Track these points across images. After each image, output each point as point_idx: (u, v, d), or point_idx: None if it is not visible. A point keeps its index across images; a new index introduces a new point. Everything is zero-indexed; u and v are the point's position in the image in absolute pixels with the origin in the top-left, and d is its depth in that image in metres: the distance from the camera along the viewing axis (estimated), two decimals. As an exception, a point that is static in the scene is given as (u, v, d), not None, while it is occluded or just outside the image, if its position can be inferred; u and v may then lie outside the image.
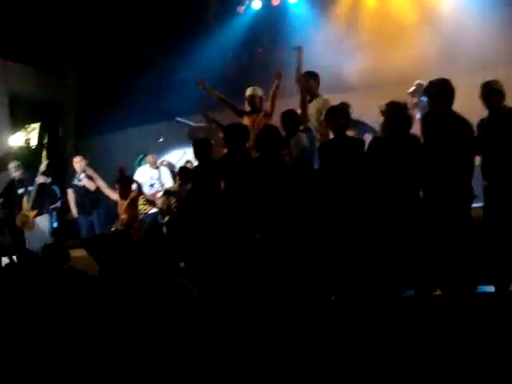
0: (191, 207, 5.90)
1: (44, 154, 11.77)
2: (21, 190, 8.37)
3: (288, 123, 5.87)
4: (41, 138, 13.00)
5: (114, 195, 7.89)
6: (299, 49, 6.78)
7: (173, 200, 7.29)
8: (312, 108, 6.46)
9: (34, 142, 13.11)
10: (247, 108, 6.96)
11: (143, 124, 11.12)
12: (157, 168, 8.93)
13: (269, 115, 6.82)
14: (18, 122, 12.31)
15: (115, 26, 10.54)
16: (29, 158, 11.45)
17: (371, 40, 9.59)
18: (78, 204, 8.38)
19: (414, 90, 7.74)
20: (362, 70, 9.12)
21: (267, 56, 10.53)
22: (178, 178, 7.69)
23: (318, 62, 7.57)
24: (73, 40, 10.85)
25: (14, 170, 8.50)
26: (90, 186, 8.20)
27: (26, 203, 8.24)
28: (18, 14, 9.90)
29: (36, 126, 13.10)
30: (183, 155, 9.97)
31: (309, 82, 6.51)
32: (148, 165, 9.03)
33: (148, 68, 10.85)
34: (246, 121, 6.80)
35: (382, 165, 4.87)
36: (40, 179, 8.24)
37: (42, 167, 8.32)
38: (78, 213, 8.42)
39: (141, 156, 9.64)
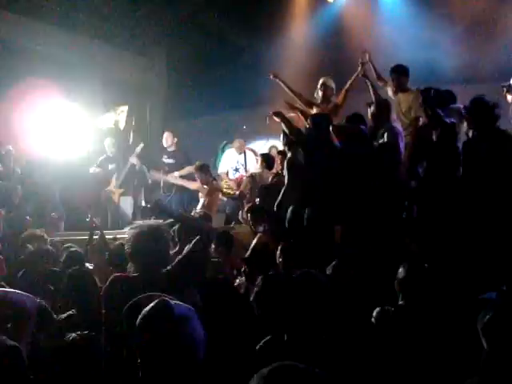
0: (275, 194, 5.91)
1: (131, 135, 12.23)
2: (111, 166, 8.63)
3: (383, 113, 5.84)
4: (129, 120, 13.43)
5: (191, 185, 7.99)
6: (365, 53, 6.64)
7: (254, 184, 7.44)
8: (403, 102, 6.39)
9: (122, 124, 13.57)
10: (317, 98, 6.95)
11: (229, 111, 11.27)
12: (243, 153, 8.97)
13: (340, 106, 6.79)
14: (109, 103, 12.77)
15: (207, 14, 10.72)
16: (117, 139, 11.90)
17: (467, 33, 9.28)
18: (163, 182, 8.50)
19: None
20: (457, 65, 8.80)
21: (353, 49, 10.44)
22: (260, 164, 7.82)
23: (411, 57, 7.48)
24: (165, 26, 11.10)
25: (111, 146, 8.72)
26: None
27: (114, 180, 8.48)
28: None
29: (125, 108, 13.54)
30: (265, 144, 10.08)
31: (399, 78, 6.47)
32: (234, 149, 9.08)
33: (237, 57, 11.00)
34: (315, 111, 6.81)
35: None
36: (133, 160, 8.45)
37: (138, 149, 8.51)
38: (163, 191, 8.55)
39: (224, 142, 9.80)
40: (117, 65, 12.07)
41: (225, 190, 8.33)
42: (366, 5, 10.44)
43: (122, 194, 8.58)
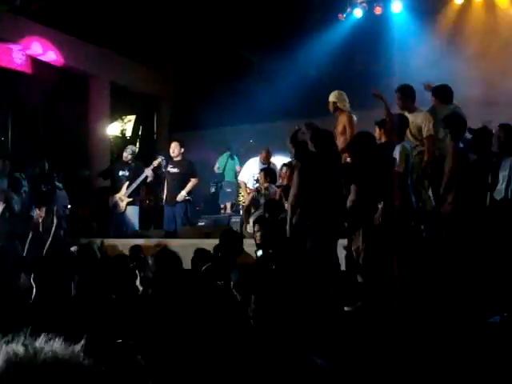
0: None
1: (137, 145, 12.21)
2: (121, 172, 8.61)
3: (400, 129, 5.76)
4: (136, 129, 13.46)
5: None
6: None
7: (261, 199, 7.36)
8: (412, 123, 6.26)
9: (128, 133, 13.59)
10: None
11: (235, 124, 11.24)
12: (267, 164, 8.67)
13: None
14: (116, 112, 12.78)
15: (218, 28, 10.72)
16: (122, 148, 11.88)
17: (480, 52, 9.21)
18: (168, 191, 8.42)
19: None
20: (470, 84, 8.65)
21: (365, 64, 10.42)
22: (263, 179, 7.73)
23: (421, 74, 7.41)
24: (175, 38, 11.12)
25: (129, 153, 8.72)
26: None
27: (125, 188, 8.45)
28: (125, 10, 10.25)
29: (132, 117, 13.57)
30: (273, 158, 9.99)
31: (404, 99, 6.38)
32: (259, 158, 8.89)
33: (246, 71, 10.99)
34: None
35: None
36: (148, 172, 8.42)
37: (155, 163, 8.47)
38: (165, 201, 8.48)
39: (234, 148, 9.82)
40: (127, 74, 12.09)
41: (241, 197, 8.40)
42: (378, 22, 10.38)
43: (129, 204, 8.52)
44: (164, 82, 12.92)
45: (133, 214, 8.53)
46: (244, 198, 8.65)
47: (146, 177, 8.41)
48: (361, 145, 5.44)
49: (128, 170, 8.53)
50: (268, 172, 7.73)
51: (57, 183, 8.16)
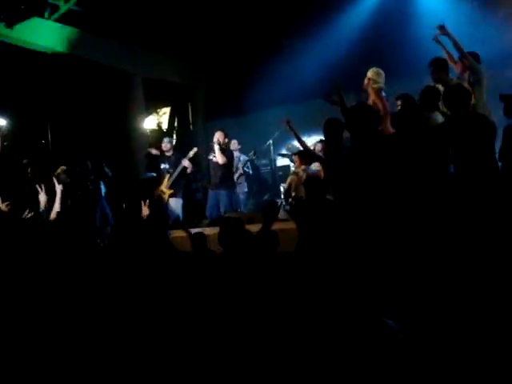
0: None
1: (174, 136, 12.42)
2: (163, 166, 8.81)
3: (429, 101, 5.72)
4: (171, 121, 13.65)
5: None
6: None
7: (298, 181, 7.45)
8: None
9: (164, 125, 13.81)
10: None
11: (270, 108, 11.29)
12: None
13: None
14: (151, 105, 13.00)
15: (244, 14, 10.73)
16: (160, 140, 12.10)
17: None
18: (212, 178, 8.50)
19: None
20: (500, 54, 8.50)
21: (390, 43, 10.30)
22: (298, 163, 7.81)
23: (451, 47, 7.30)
24: (203, 27, 11.18)
25: (166, 143, 8.90)
26: (219, 158, 8.23)
27: (166, 180, 8.65)
28: (154, 8, 10.36)
29: (167, 110, 13.77)
30: (308, 139, 10.04)
31: (437, 72, 6.36)
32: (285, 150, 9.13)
33: (275, 54, 10.98)
34: None
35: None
36: (185, 163, 8.57)
37: (191, 153, 8.59)
38: (211, 188, 8.55)
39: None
40: (158, 67, 12.27)
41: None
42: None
43: (171, 196, 8.70)
44: (195, 72, 13.02)
45: (176, 205, 8.71)
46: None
47: (185, 168, 8.55)
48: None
49: (168, 163, 8.72)
50: (302, 154, 7.78)
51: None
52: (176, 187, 8.63)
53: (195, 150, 8.62)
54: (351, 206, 4.63)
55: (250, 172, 9.92)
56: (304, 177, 7.37)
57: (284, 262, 4.41)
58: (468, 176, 4.50)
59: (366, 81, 6.80)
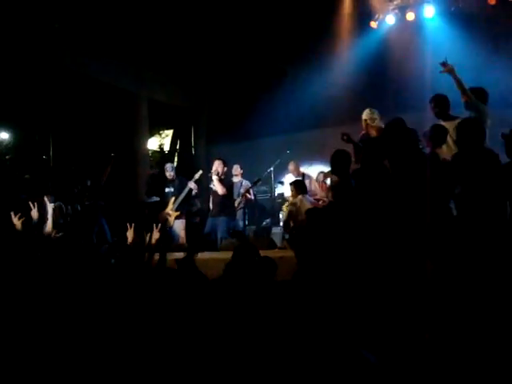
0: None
1: (175, 159, 12.47)
2: (167, 189, 8.88)
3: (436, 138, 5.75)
4: (173, 143, 13.72)
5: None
6: None
7: (296, 211, 7.44)
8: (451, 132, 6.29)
9: (166, 147, 13.86)
10: None
11: (272, 135, 11.35)
12: (301, 176, 8.96)
13: None
14: (154, 127, 13.06)
15: (250, 40, 10.85)
16: (161, 162, 12.14)
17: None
18: (213, 205, 8.56)
19: None
20: (504, 91, 8.57)
21: (399, 71, 10.41)
22: (294, 192, 7.81)
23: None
24: (208, 53, 11.29)
25: (169, 170, 8.97)
26: (218, 189, 8.32)
27: (171, 203, 8.71)
28: (162, 31, 10.50)
29: (169, 132, 13.84)
30: (309, 168, 10.09)
31: (435, 107, 6.41)
32: (290, 173, 9.19)
33: (279, 82, 11.09)
34: None
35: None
36: (191, 185, 8.62)
37: (197, 176, 8.68)
38: (210, 216, 8.59)
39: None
40: (163, 91, 12.36)
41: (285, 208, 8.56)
42: (411, 30, 10.36)
43: (177, 217, 8.76)
44: (199, 96, 13.12)
45: (179, 227, 8.75)
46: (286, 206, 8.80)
47: (191, 190, 8.62)
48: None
49: (172, 187, 8.79)
50: (297, 184, 7.80)
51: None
52: (180, 209, 8.69)
53: (201, 172, 8.72)
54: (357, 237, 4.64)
55: (252, 198, 9.96)
56: (302, 206, 7.37)
57: (280, 290, 4.39)
58: (476, 219, 4.45)
59: (363, 124, 6.88)
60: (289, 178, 9.20)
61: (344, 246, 4.74)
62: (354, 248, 4.59)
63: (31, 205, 6.25)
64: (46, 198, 6.69)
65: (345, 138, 6.35)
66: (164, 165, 9.29)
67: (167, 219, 8.55)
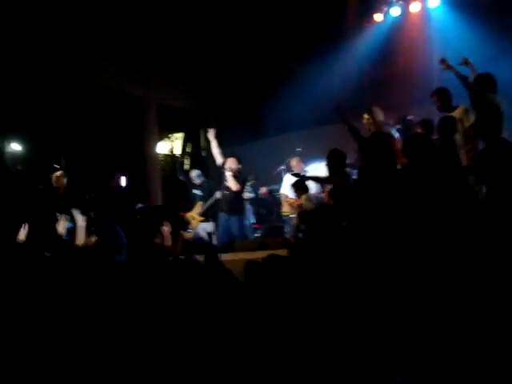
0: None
1: (187, 162, 12.47)
2: (195, 191, 9.00)
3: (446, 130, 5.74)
4: (184, 147, 13.72)
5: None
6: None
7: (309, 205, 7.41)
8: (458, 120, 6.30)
9: (177, 151, 13.86)
10: None
11: (282, 134, 11.33)
12: (302, 171, 8.85)
13: None
14: (164, 131, 13.09)
15: (256, 40, 10.84)
16: (172, 166, 12.16)
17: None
18: (222, 204, 8.58)
19: None
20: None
21: (406, 64, 10.34)
22: (297, 194, 7.78)
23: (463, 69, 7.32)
24: (217, 56, 11.31)
25: (196, 179, 9.10)
26: (232, 185, 8.30)
27: (198, 207, 8.76)
28: (168, 35, 10.52)
29: (179, 135, 13.84)
30: (319, 165, 10.04)
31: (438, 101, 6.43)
32: (293, 168, 9.10)
33: (287, 79, 11.06)
34: None
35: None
36: (218, 195, 8.64)
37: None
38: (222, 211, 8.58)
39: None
40: (171, 94, 12.38)
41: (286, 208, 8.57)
42: (417, 23, 10.29)
43: (201, 221, 8.82)
44: (208, 98, 13.14)
45: (207, 229, 8.85)
46: (285, 209, 8.83)
47: (218, 199, 8.65)
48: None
49: (201, 190, 8.94)
50: (297, 185, 7.74)
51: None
52: (207, 216, 8.87)
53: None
54: (364, 235, 4.58)
55: (252, 195, 9.98)
56: (308, 205, 7.34)
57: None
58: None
59: (364, 121, 6.84)
60: (288, 177, 9.12)
61: (345, 246, 4.73)
62: (358, 248, 4.55)
63: (59, 216, 6.30)
64: (74, 211, 6.69)
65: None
66: (176, 168, 9.35)
67: (190, 222, 8.67)
